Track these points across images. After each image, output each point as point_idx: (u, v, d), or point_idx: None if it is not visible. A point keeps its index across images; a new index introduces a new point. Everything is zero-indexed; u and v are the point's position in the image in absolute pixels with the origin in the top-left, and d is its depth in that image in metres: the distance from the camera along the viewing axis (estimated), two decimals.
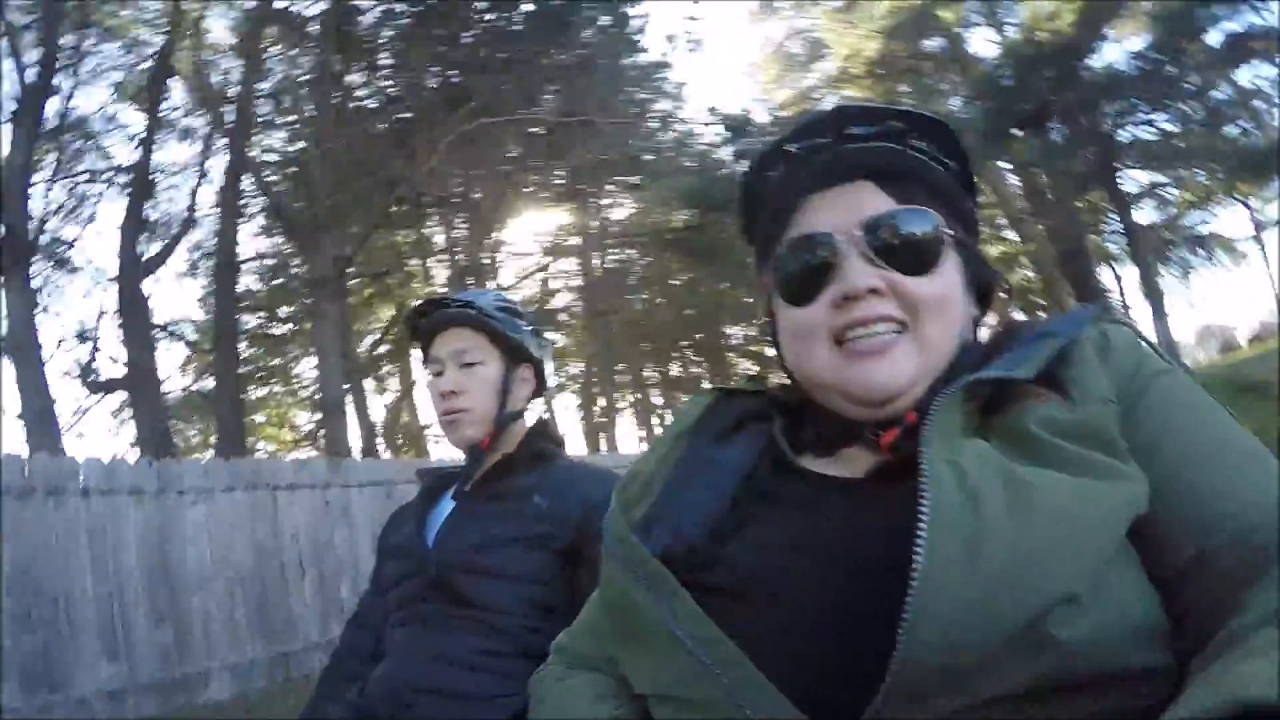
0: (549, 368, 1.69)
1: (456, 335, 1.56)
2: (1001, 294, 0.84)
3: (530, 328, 1.63)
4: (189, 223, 13.18)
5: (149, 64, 12.03)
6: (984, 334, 0.84)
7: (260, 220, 14.36)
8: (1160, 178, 17.42)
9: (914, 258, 0.73)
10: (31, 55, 10.29)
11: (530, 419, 1.67)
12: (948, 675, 0.52)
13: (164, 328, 14.68)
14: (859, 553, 0.63)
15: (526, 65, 12.93)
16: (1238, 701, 0.42)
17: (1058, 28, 12.56)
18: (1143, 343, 0.73)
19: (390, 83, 13.21)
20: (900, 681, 0.52)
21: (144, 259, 11.77)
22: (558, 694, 0.83)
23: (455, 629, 1.35)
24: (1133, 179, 17.40)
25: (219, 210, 12.68)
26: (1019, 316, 0.84)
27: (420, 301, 1.67)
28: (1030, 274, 20.59)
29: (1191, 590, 0.59)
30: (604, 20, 14.82)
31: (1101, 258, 19.48)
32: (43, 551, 4.71)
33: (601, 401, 24.09)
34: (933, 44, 18.94)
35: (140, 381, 10.76)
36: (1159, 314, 16.17)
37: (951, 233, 0.76)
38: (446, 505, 1.56)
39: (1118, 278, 20.87)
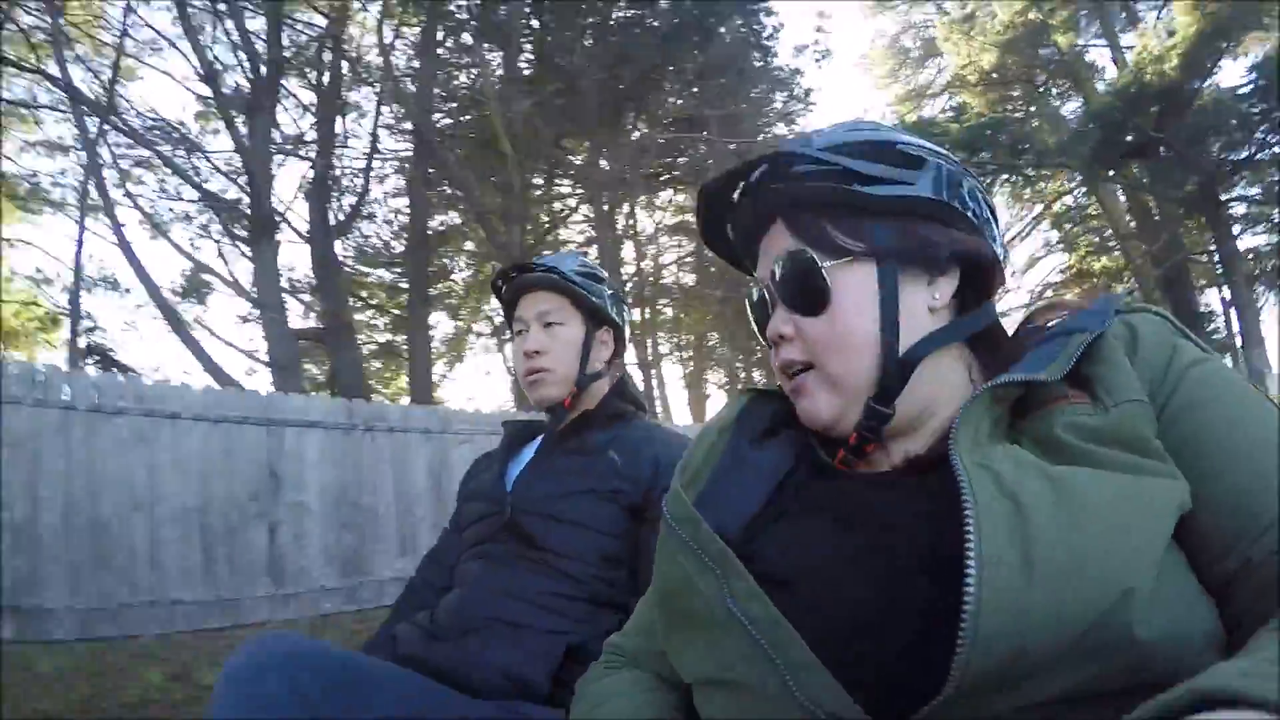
0: (627, 332, 1.72)
1: (541, 298, 1.60)
2: (996, 262, 0.78)
3: (611, 292, 1.66)
4: (364, 194, 14.91)
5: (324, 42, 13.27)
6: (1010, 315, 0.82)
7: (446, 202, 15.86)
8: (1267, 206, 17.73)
9: (803, 299, 0.75)
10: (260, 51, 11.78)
11: (610, 381, 1.70)
12: (1010, 675, 0.51)
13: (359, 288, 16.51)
14: (903, 542, 0.62)
15: (670, 66, 13.94)
16: (1192, 691, 0.39)
17: (1163, 70, 13.47)
18: (1175, 331, 0.69)
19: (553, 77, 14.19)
20: (963, 681, 0.51)
21: (332, 225, 13.28)
22: (595, 691, 0.83)
23: (524, 569, 1.39)
24: (1241, 201, 17.84)
25: (407, 191, 14.69)
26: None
27: (505, 266, 1.69)
28: (1135, 292, 21.21)
29: (1238, 601, 0.57)
30: (738, 24, 15.93)
31: (1209, 280, 19.94)
32: (357, 473, 6.69)
33: (710, 375, 25.66)
34: (1047, 51, 19.58)
35: (338, 334, 12.29)
36: (1253, 341, 16.80)
37: (836, 259, 0.73)
38: (528, 455, 1.61)
39: (1224, 301, 21.21)
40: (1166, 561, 0.55)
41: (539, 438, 1.63)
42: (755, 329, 0.84)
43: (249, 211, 11.56)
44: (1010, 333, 0.82)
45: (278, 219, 12.15)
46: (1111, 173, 16.75)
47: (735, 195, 0.82)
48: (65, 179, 14.81)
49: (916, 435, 0.76)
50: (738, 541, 0.70)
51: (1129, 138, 14.71)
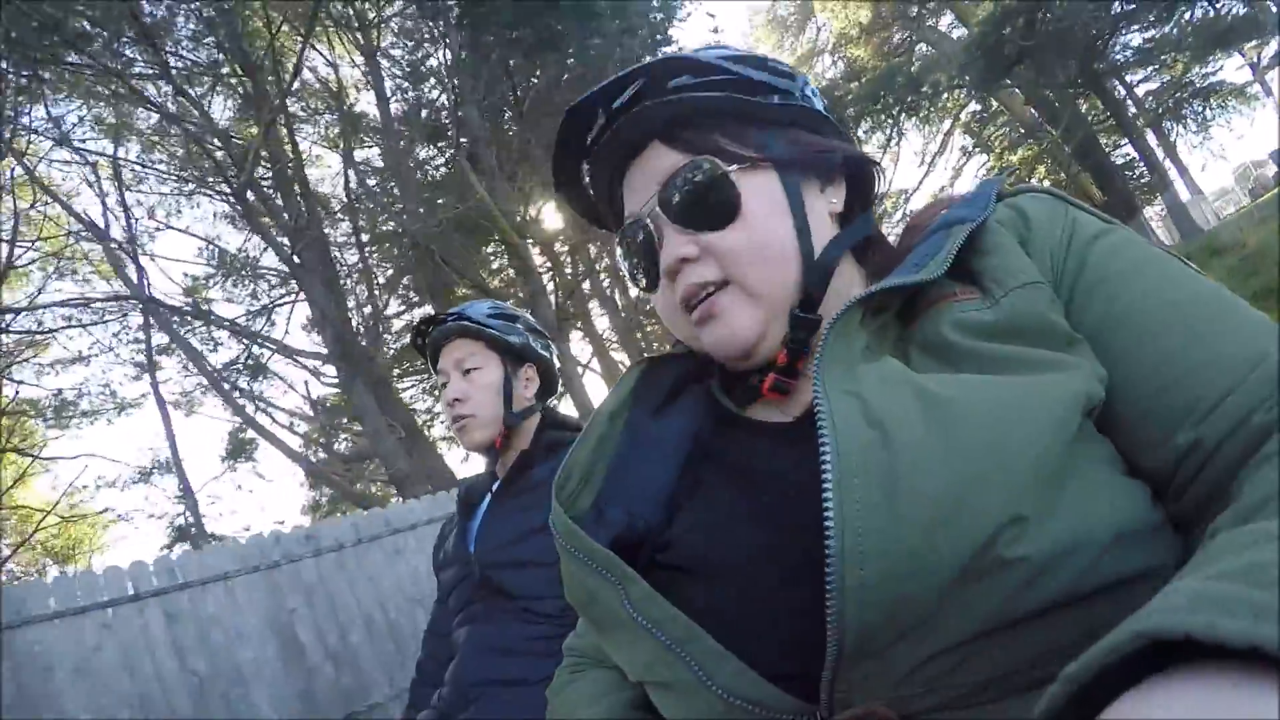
0: (555, 365, 1.76)
1: (456, 346, 1.65)
2: (875, 170, 0.77)
3: (527, 328, 1.70)
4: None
5: None
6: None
7: None
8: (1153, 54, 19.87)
9: (710, 211, 0.69)
10: None
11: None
12: (898, 625, 0.48)
13: None
14: (787, 508, 0.59)
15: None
16: (1135, 634, 0.30)
17: None
18: (1067, 206, 0.66)
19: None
20: (846, 641, 0.48)
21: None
22: (564, 700, 0.81)
23: (504, 621, 1.44)
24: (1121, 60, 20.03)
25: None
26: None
27: (418, 321, 1.73)
28: (1061, 175, 23.36)
29: (1192, 484, 0.53)
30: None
31: (1119, 137, 22.04)
32: None
33: None
34: None
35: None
36: (1182, 172, 18.87)
37: (740, 164, 0.69)
38: (482, 510, 1.67)
39: (1138, 149, 23.41)
40: (1074, 457, 0.51)
41: (487, 490, 1.67)
42: (635, 275, 0.76)
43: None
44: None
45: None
46: (1003, 84, 18.76)
47: (594, 131, 0.74)
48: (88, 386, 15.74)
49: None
50: (656, 527, 0.67)
51: (1006, 51, 16.59)
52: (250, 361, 14.39)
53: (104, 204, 12.89)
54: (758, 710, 0.53)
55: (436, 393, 1.77)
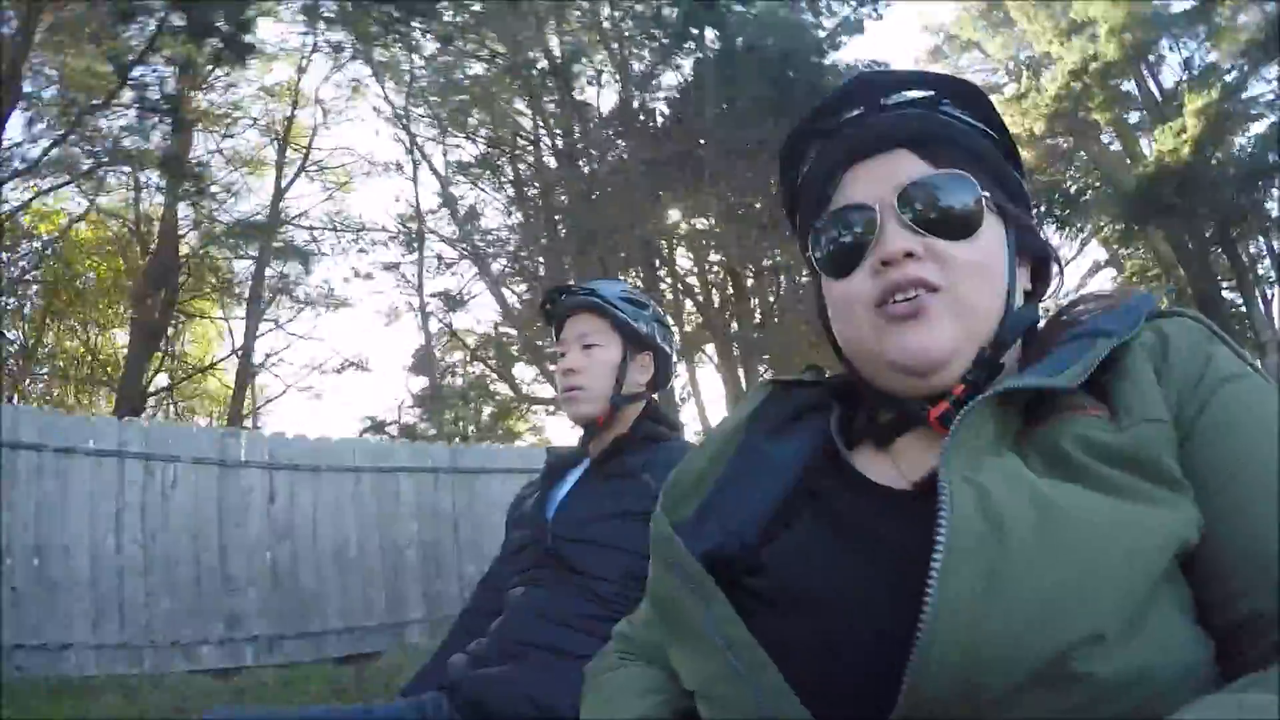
0: (673, 358, 1.81)
1: (581, 320, 1.71)
2: (1055, 270, 0.81)
3: (654, 317, 1.75)
4: None
5: None
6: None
7: None
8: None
9: (952, 224, 0.71)
10: None
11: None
12: (963, 703, 0.50)
13: None
14: (883, 571, 0.61)
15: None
16: None
17: (1179, 156, 17.79)
18: (1210, 340, 0.66)
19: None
20: (911, 708, 0.51)
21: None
22: (606, 685, 0.83)
23: (562, 593, 1.48)
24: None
25: None
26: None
27: (551, 288, 1.79)
28: (1173, 292, 25.58)
29: (1243, 652, 0.54)
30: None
31: (1242, 294, 24.03)
32: None
33: None
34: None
35: None
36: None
37: (989, 196, 0.73)
38: (569, 481, 1.73)
39: (1266, 301, 25.26)
40: (1158, 593, 0.53)
41: (579, 464, 1.75)
42: (833, 257, 0.76)
43: None
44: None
45: None
46: (1149, 226, 21.18)
47: (847, 115, 0.78)
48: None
49: None
50: (749, 549, 0.70)
51: (1159, 199, 18.99)
52: None
53: None
54: None
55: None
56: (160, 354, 15.62)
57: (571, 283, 1.77)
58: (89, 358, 17.34)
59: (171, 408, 18.71)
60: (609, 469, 1.65)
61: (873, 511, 0.69)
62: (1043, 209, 25.00)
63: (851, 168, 0.77)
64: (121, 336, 17.66)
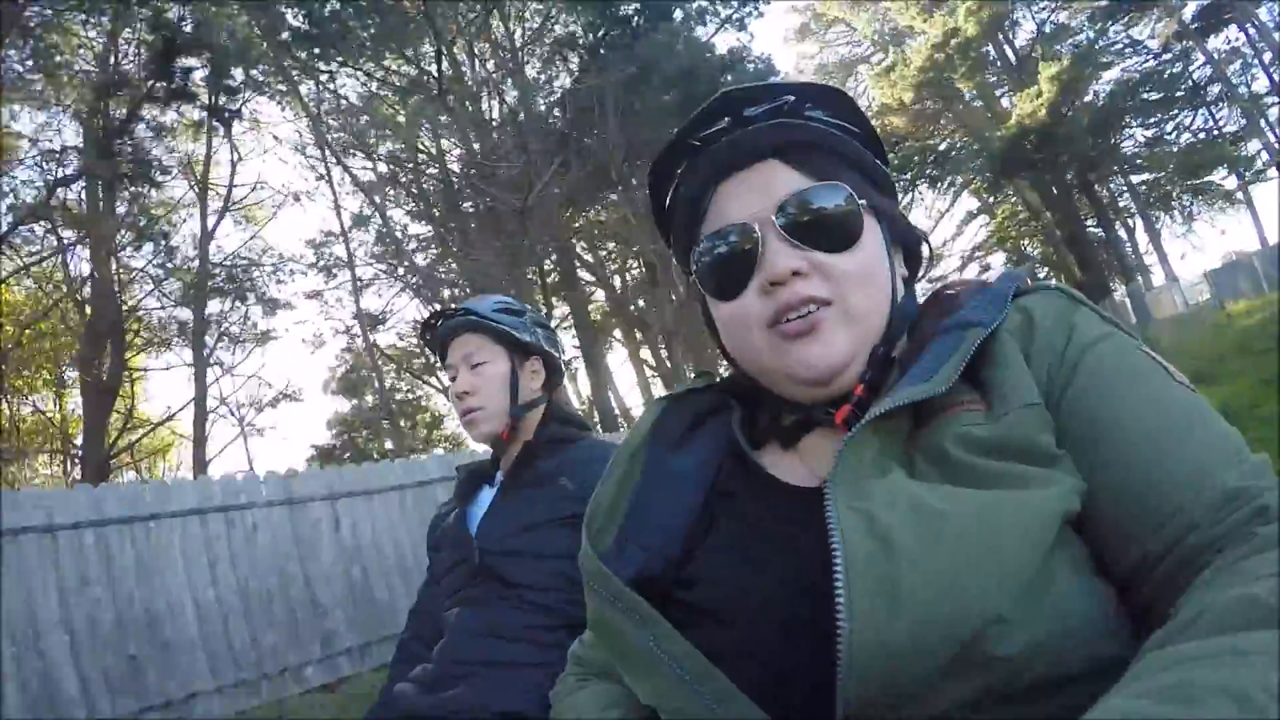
0: (559, 355, 1.78)
1: (464, 341, 1.67)
2: (925, 253, 0.83)
3: (534, 322, 1.73)
4: None
5: None
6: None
7: None
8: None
9: (832, 234, 0.72)
10: None
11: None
12: (895, 700, 0.54)
13: None
14: (797, 573, 0.63)
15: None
16: None
17: (1037, 118, 20.06)
18: (1073, 308, 0.70)
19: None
20: (850, 707, 0.54)
21: None
22: (572, 703, 0.84)
23: (499, 606, 1.45)
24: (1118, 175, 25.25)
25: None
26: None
27: (428, 315, 1.78)
28: (1050, 251, 28.41)
29: (1142, 593, 0.58)
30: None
31: (1103, 229, 26.89)
32: None
33: None
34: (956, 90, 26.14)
35: None
36: (1163, 259, 24.54)
37: (865, 201, 0.74)
38: (485, 496, 1.68)
39: (1129, 230, 28.70)
40: (1050, 564, 0.56)
41: (492, 477, 1.71)
42: (719, 280, 0.76)
43: None
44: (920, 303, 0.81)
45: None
46: (1014, 180, 23.76)
47: (711, 130, 0.78)
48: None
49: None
50: (673, 563, 0.72)
51: (1021, 156, 21.28)
52: None
53: None
54: None
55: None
56: (117, 413, 15.65)
57: (444, 307, 1.77)
58: (45, 427, 17.49)
59: (135, 466, 18.62)
60: (524, 478, 1.61)
61: (785, 513, 0.70)
62: (914, 171, 27.43)
63: (723, 182, 0.77)
64: (49, 401, 17.52)
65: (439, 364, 1.77)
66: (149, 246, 15.93)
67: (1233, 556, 0.53)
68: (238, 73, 14.29)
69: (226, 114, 14.57)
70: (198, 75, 13.60)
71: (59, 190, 13.50)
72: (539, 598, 1.44)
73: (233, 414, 19.09)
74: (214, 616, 5.82)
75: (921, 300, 0.82)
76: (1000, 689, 0.53)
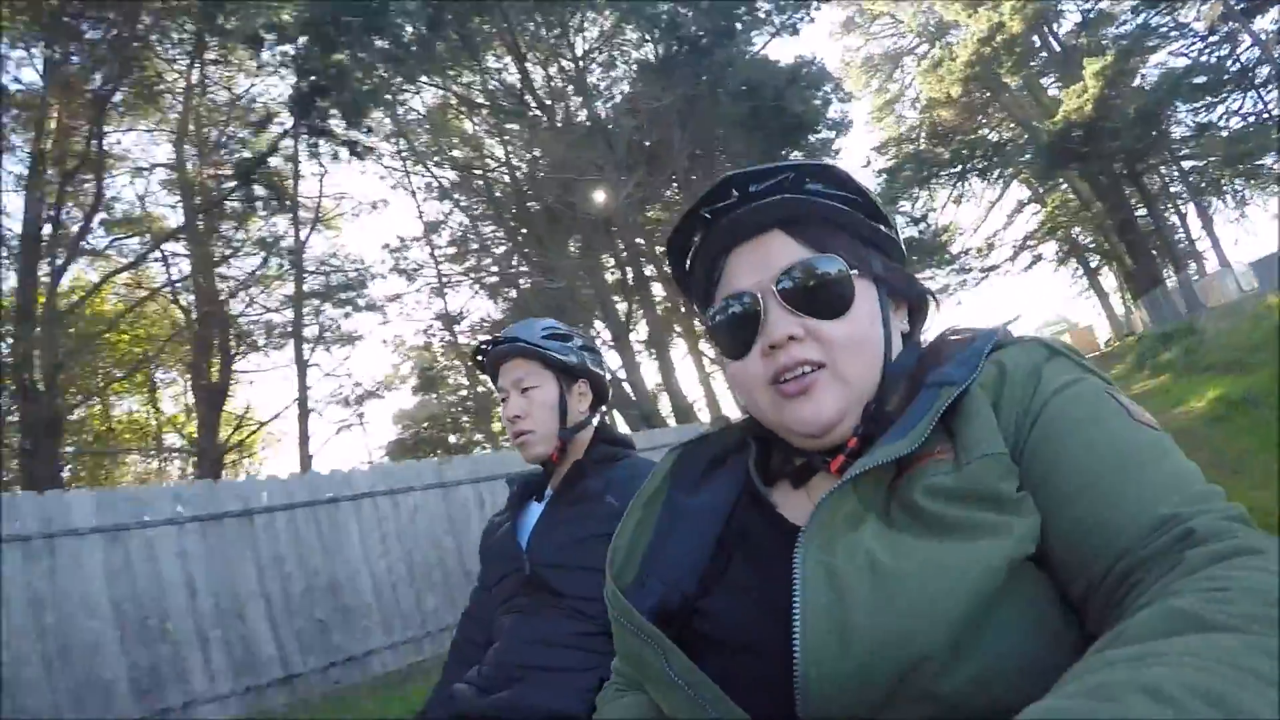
0: (605, 376, 1.85)
1: (514, 366, 1.73)
2: (933, 304, 0.89)
3: (581, 346, 1.78)
4: None
5: None
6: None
7: None
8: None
9: (826, 302, 0.78)
10: None
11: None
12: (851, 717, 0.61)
13: None
14: (785, 609, 0.67)
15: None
16: None
17: (1083, 113, 20.60)
18: (1047, 358, 0.75)
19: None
20: None
21: None
22: (611, 710, 0.90)
23: (550, 616, 1.52)
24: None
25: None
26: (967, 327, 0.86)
27: (480, 341, 1.83)
28: (1103, 241, 28.75)
29: (1090, 618, 0.63)
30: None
31: (1152, 221, 27.20)
32: None
33: None
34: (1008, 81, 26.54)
35: None
36: (1216, 244, 25.09)
37: (857, 270, 0.79)
38: (534, 509, 1.74)
39: (1181, 217, 28.81)
40: (995, 606, 0.61)
41: (542, 491, 1.77)
42: (728, 341, 0.83)
43: None
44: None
45: None
46: (1065, 173, 24.27)
47: (722, 204, 0.84)
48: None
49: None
50: (689, 598, 0.79)
51: (1069, 148, 21.81)
52: None
53: None
54: None
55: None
56: (228, 413, 16.78)
57: (495, 335, 1.82)
58: (160, 427, 18.72)
59: (244, 463, 19.99)
60: (573, 495, 1.66)
61: (782, 554, 0.72)
62: (964, 164, 27.86)
63: (732, 251, 0.84)
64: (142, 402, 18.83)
65: (494, 388, 1.82)
66: (255, 259, 17.13)
67: (1159, 577, 0.57)
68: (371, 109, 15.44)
69: (361, 148, 15.80)
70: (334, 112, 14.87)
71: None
72: (585, 607, 1.50)
73: (348, 403, 19.91)
74: (385, 584, 6.76)
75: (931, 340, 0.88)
76: (953, 714, 0.59)
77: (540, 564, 1.57)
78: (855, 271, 0.80)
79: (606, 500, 1.58)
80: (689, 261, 0.91)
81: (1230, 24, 22.81)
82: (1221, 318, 16.37)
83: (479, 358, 1.83)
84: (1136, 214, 25.94)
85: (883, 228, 0.87)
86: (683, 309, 18.93)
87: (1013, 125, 27.90)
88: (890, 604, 0.61)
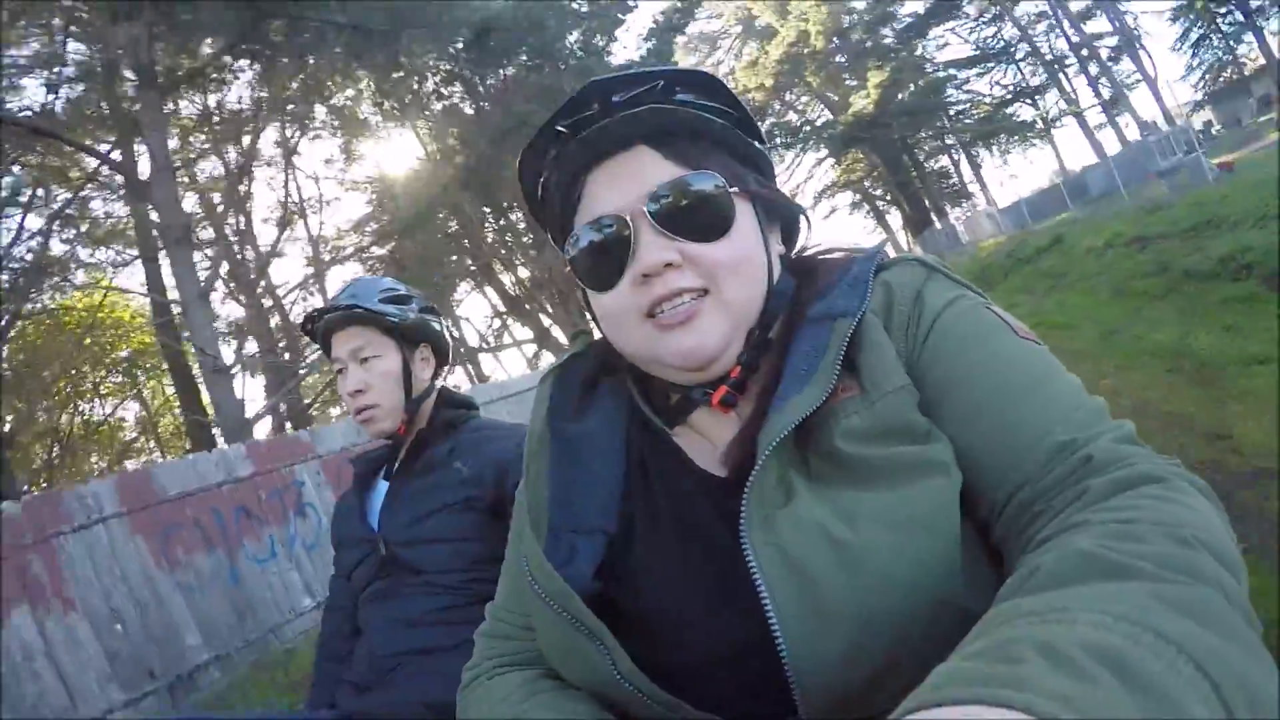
0: (445, 335, 1.71)
1: (351, 334, 1.57)
2: (805, 227, 0.85)
3: (421, 308, 1.65)
4: None
5: None
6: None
7: None
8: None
9: (704, 224, 0.72)
10: None
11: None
12: (846, 701, 0.58)
13: None
14: (737, 597, 0.63)
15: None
16: (906, 710, 0.38)
17: (866, 112, 27.92)
18: (924, 276, 0.74)
19: None
20: (811, 708, 0.58)
21: None
22: (480, 698, 0.80)
23: (409, 595, 1.45)
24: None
25: None
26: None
27: (312, 310, 1.65)
28: (884, 190, 36.86)
29: (993, 541, 0.64)
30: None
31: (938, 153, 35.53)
32: None
33: None
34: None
35: None
36: (984, 188, 34.11)
37: (736, 188, 0.74)
38: (381, 487, 1.64)
39: (954, 162, 37.28)
40: (968, 529, 0.61)
41: (389, 465, 1.66)
42: (593, 271, 0.75)
43: None
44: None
45: None
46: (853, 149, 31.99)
47: (579, 116, 0.76)
48: None
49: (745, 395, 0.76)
50: (615, 540, 0.72)
51: (857, 135, 29.12)
52: None
53: None
54: None
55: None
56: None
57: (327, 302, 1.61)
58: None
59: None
60: (418, 465, 1.56)
61: (706, 511, 0.71)
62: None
63: (594, 170, 0.77)
64: None
65: (327, 359, 1.65)
66: None
67: (1062, 507, 0.57)
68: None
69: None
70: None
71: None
72: (445, 579, 1.44)
73: None
74: None
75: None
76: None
77: (394, 542, 1.49)
78: (734, 190, 0.74)
79: (454, 467, 1.51)
80: (541, 184, 0.83)
81: (996, 7, 30.45)
82: (961, 254, 22.79)
83: (308, 326, 1.64)
84: (911, 174, 33.67)
85: (756, 143, 0.81)
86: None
87: (814, 106, 34.84)
88: (857, 577, 0.58)
